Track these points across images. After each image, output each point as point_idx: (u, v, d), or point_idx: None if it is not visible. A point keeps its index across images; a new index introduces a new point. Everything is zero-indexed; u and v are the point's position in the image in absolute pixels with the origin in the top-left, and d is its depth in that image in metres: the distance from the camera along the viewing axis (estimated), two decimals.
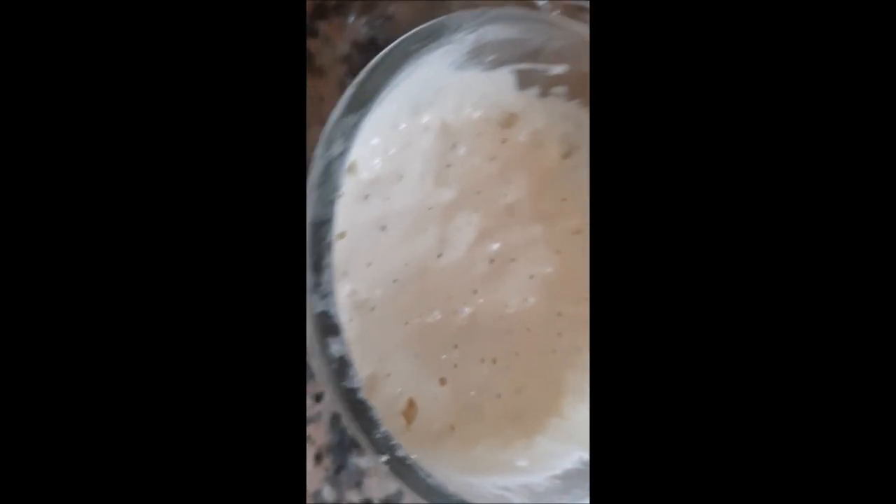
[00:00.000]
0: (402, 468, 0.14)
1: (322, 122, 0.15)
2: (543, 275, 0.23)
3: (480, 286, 0.23)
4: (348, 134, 0.14)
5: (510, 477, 0.18)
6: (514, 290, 0.23)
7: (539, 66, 0.20)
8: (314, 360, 0.14)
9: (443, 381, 0.22)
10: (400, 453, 0.14)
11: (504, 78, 0.21)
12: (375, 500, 0.22)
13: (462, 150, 0.23)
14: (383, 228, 0.21)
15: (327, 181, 0.14)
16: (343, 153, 0.14)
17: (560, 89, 0.21)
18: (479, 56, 0.19)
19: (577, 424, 0.22)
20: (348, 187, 0.21)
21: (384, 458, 0.14)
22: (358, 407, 0.14)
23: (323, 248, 0.13)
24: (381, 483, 0.23)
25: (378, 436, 0.14)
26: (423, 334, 0.21)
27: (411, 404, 0.21)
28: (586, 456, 0.20)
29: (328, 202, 0.14)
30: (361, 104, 0.16)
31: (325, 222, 0.14)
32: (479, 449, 0.21)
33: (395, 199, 0.21)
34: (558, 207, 0.24)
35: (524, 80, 0.21)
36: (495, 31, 0.18)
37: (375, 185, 0.21)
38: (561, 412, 0.22)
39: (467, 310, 0.22)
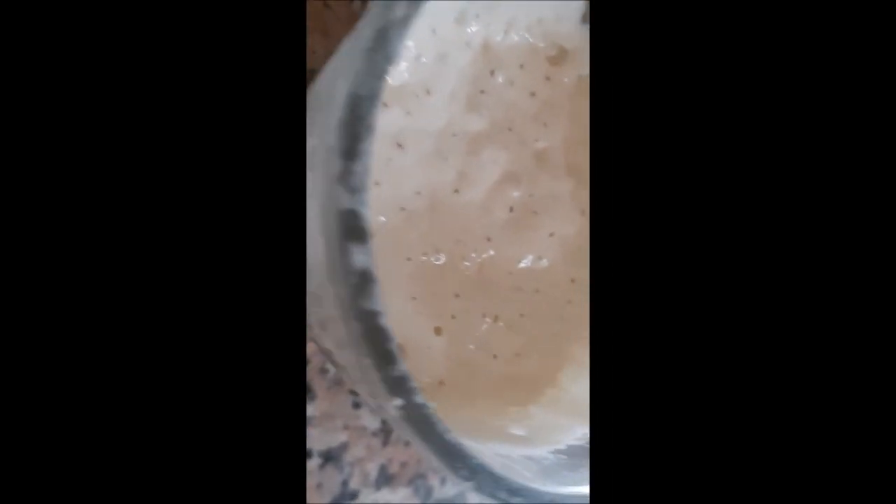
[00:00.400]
0: (418, 417, 0.12)
1: None
2: (564, 235, 0.21)
3: (495, 235, 0.20)
4: (412, 4, 0.11)
5: (509, 446, 0.15)
6: (530, 246, 0.21)
7: None
8: (323, 273, 0.12)
9: (438, 331, 0.19)
10: (418, 399, 0.12)
11: (572, 3, 0.18)
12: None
13: (501, 78, 0.20)
14: (399, 146, 0.18)
15: (382, 48, 0.11)
16: (405, 20, 0.11)
17: None
18: None
19: (574, 398, 0.20)
20: None
21: (398, 402, 0.11)
22: (377, 335, 0.11)
23: (362, 128, 0.10)
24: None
25: (396, 374, 0.11)
26: (423, 275, 0.19)
27: (401, 350, 0.18)
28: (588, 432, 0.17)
29: (378, 74, 0.11)
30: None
31: (370, 98, 0.11)
32: (470, 410, 0.18)
33: (418, 116, 0.18)
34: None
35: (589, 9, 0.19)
36: None
37: (399, 95, 0.18)
38: (559, 384, 0.20)
39: (476, 258, 0.20)
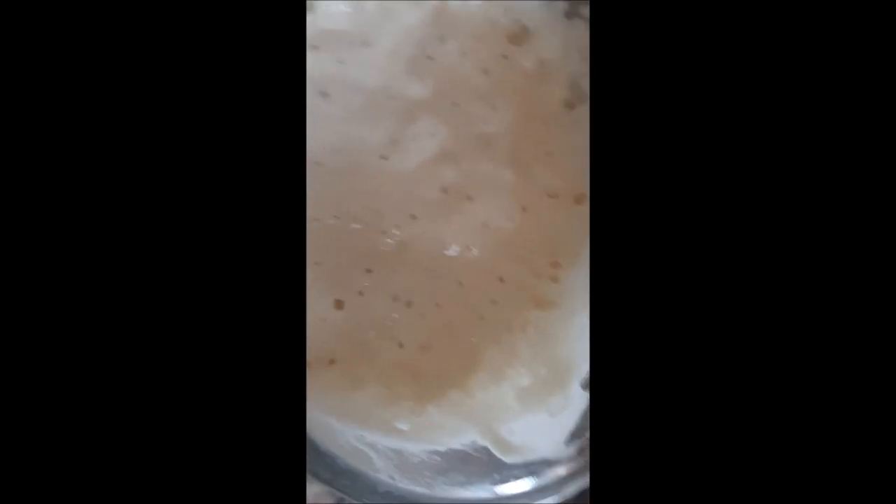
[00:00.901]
0: None
1: None
2: (499, 228, 0.19)
3: (422, 213, 0.18)
4: None
5: (383, 436, 0.13)
6: (460, 233, 0.19)
7: None
8: None
9: (339, 305, 0.17)
10: None
11: None
12: None
13: (452, 45, 0.18)
14: (324, 95, 0.16)
15: None
16: None
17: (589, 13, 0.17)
18: None
19: (480, 405, 0.18)
20: None
21: None
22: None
23: None
24: None
25: None
26: (330, 241, 0.17)
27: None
28: (481, 442, 0.15)
29: None
30: None
31: None
32: (357, 395, 0.16)
33: (352, 67, 0.17)
34: (542, 161, 0.20)
35: None
36: None
37: (332, 39, 0.16)
38: (467, 388, 0.18)
39: (398, 234, 0.18)
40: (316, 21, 0.16)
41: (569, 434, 0.16)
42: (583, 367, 0.19)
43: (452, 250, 0.19)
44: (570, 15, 0.18)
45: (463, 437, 0.16)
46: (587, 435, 0.16)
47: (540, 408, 0.18)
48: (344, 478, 0.11)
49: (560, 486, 0.14)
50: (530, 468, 0.14)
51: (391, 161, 0.18)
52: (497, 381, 0.19)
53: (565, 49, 0.19)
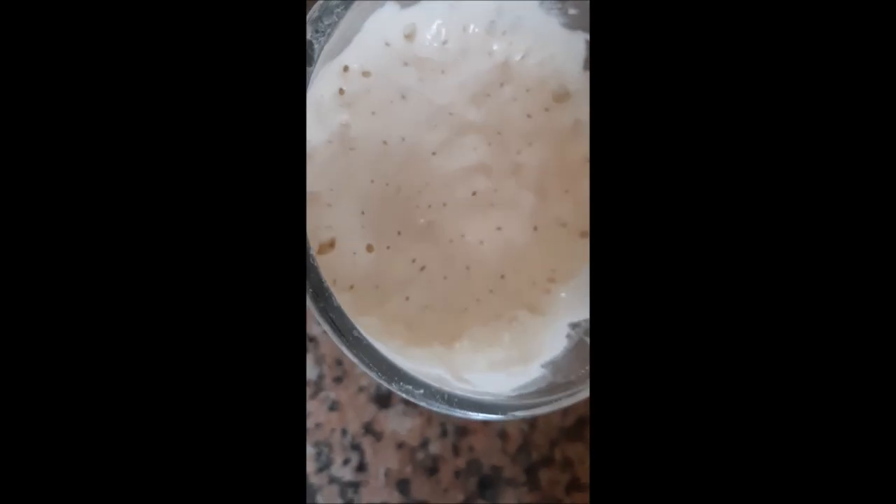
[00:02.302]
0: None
1: None
2: (511, 237, 0.24)
3: (452, 204, 0.24)
4: None
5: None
6: (478, 229, 0.24)
7: None
8: None
9: (370, 249, 0.22)
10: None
11: (577, 46, 0.23)
12: None
13: (508, 91, 0.24)
14: (403, 97, 0.23)
15: None
16: None
17: None
18: (564, 0, 0.21)
19: (457, 363, 0.22)
20: (397, 48, 0.23)
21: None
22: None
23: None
24: None
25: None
26: (379, 199, 0.23)
27: (332, 244, 0.22)
28: (444, 375, 0.19)
29: None
30: None
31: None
32: (363, 320, 0.21)
33: (427, 85, 0.23)
34: (558, 195, 0.25)
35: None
36: None
37: (419, 63, 0.23)
38: (452, 349, 0.22)
39: (430, 212, 0.23)
40: (412, 47, 0.23)
41: (516, 387, 0.20)
42: (547, 355, 0.22)
43: (468, 239, 0.24)
44: None
45: (431, 371, 0.20)
46: (531, 389, 0.19)
47: (502, 371, 0.21)
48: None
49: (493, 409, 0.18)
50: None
51: (438, 157, 0.23)
52: (475, 351, 0.23)
53: None
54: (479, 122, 0.24)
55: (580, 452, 0.35)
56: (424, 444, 0.32)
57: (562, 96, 0.25)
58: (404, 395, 0.16)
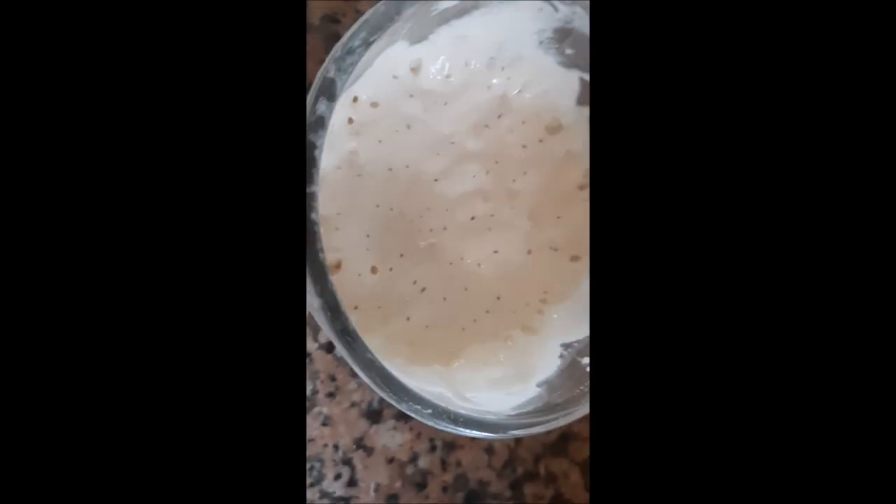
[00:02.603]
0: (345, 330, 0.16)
1: None
2: (507, 259, 0.25)
3: (452, 228, 0.25)
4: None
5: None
6: (476, 251, 0.25)
7: None
8: None
9: (374, 270, 0.23)
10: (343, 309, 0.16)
11: (571, 83, 0.24)
12: None
13: (505, 123, 0.26)
14: (408, 127, 0.24)
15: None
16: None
17: None
18: (562, 41, 0.23)
19: (457, 381, 0.23)
20: (404, 81, 0.24)
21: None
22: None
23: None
24: None
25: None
26: (384, 223, 0.24)
27: (339, 266, 0.23)
28: (446, 393, 0.20)
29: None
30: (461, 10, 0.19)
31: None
32: (367, 338, 0.22)
33: (431, 116, 0.24)
34: (552, 222, 0.26)
35: (585, 96, 0.25)
36: (586, 23, 0.21)
37: (423, 95, 0.24)
38: (450, 368, 0.23)
39: (431, 235, 0.24)
40: (418, 80, 0.24)
41: (515, 406, 0.21)
42: (541, 375, 0.23)
43: (466, 261, 0.25)
44: None
45: (434, 390, 0.21)
46: (528, 408, 0.20)
47: (500, 391, 0.22)
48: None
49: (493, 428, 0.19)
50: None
51: (441, 184, 0.24)
52: (473, 370, 0.24)
53: (587, 146, 0.26)
54: (479, 150, 0.25)
55: (564, 468, 0.36)
56: (414, 458, 0.33)
57: (555, 128, 0.26)
58: (413, 415, 0.17)
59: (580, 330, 0.24)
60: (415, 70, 0.24)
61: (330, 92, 0.16)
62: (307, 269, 0.15)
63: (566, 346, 0.23)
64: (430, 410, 0.17)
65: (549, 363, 0.23)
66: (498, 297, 0.25)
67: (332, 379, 0.32)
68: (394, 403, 0.17)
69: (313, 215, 0.15)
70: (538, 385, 0.22)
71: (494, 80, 0.25)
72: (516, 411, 0.19)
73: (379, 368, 0.16)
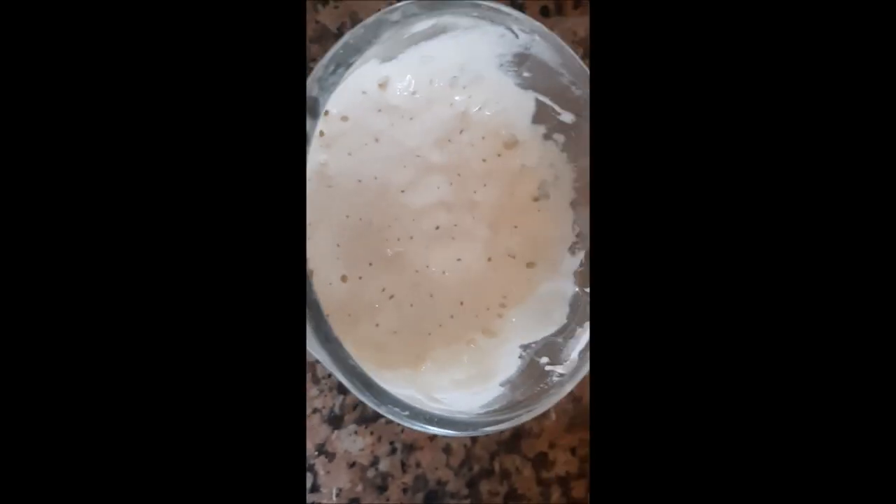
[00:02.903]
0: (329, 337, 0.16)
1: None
2: (468, 266, 0.27)
3: (417, 237, 0.26)
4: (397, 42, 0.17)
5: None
6: (441, 259, 0.26)
7: (556, 107, 0.25)
8: None
9: (344, 279, 0.24)
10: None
11: (527, 103, 0.26)
12: None
13: (466, 138, 0.27)
14: (376, 140, 0.25)
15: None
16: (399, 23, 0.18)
17: (559, 136, 0.26)
18: (521, 65, 0.24)
19: (427, 383, 0.24)
20: (372, 96, 0.25)
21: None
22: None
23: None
24: None
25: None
26: (352, 234, 0.24)
27: (310, 274, 0.23)
28: (416, 395, 0.21)
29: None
30: (431, 34, 0.20)
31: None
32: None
33: (398, 130, 0.25)
34: (509, 231, 0.28)
35: (539, 115, 0.26)
36: (543, 49, 0.23)
37: (390, 110, 0.25)
38: (419, 371, 0.25)
39: (398, 244, 0.25)
40: (385, 96, 0.25)
41: (483, 405, 0.22)
42: (503, 375, 0.25)
43: (431, 269, 0.26)
44: (546, 137, 0.27)
45: (404, 392, 0.22)
46: (495, 406, 0.22)
47: (467, 391, 0.24)
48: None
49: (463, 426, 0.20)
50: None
51: (407, 194, 0.26)
52: (439, 372, 0.25)
53: (540, 160, 0.28)
54: (442, 163, 0.26)
55: (517, 464, 0.38)
56: (375, 462, 0.34)
57: (511, 144, 0.28)
58: (392, 417, 0.18)
59: (537, 332, 0.25)
60: (382, 86, 0.25)
61: (314, 111, 0.17)
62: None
63: (525, 347, 0.25)
64: (407, 412, 0.18)
65: (509, 363, 0.24)
66: (461, 303, 0.26)
67: None
68: (373, 407, 0.18)
69: None
70: (501, 384, 0.23)
71: (457, 98, 0.26)
72: (484, 409, 0.21)
73: (360, 374, 0.17)
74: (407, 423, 0.18)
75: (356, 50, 0.18)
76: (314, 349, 0.18)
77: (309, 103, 0.17)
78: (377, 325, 0.24)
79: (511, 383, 0.23)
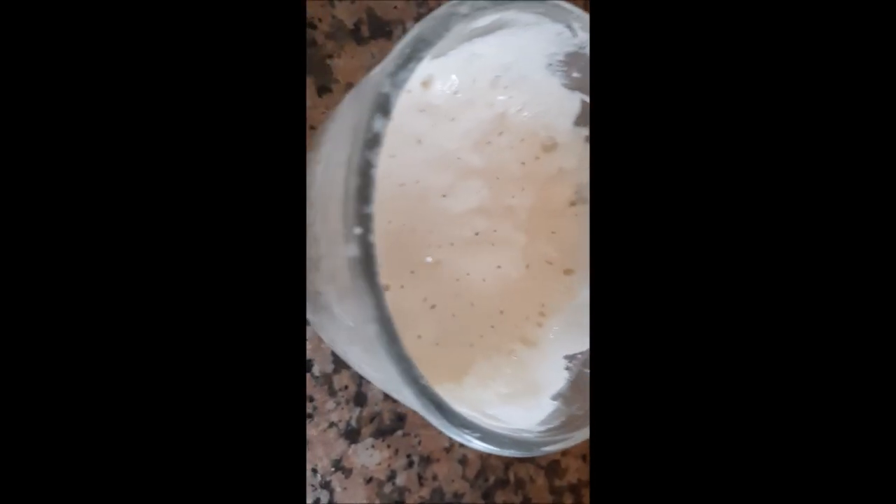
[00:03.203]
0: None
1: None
2: (507, 274, 0.26)
3: (457, 244, 0.25)
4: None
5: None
6: (480, 267, 0.25)
7: None
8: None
9: (386, 288, 0.23)
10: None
11: (572, 104, 0.25)
12: None
13: (504, 140, 0.26)
14: (419, 142, 0.24)
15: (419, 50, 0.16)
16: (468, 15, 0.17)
17: None
18: (571, 65, 0.23)
19: (469, 399, 0.23)
20: (416, 95, 0.23)
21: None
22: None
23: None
24: None
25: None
26: (395, 241, 0.23)
27: (385, 287, 0.22)
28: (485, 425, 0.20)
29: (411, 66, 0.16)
30: (487, 30, 0.19)
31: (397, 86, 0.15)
32: None
33: (439, 131, 0.24)
34: (546, 236, 0.27)
35: (584, 117, 0.26)
36: None
37: (433, 110, 0.24)
38: (461, 385, 0.23)
39: (439, 251, 0.24)
40: (428, 95, 0.23)
41: (540, 421, 0.21)
42: (552, 388, 0.24)
43: (472, 277, 0.25)
44: (587, 139, 0.26)
45: (458, 408, 0.21)
46: (555, 423, 0.21)
47: (515, 406, 0.23)
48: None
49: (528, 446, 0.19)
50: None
51: (448, 200, 0.24)
52: (483, 387, 0.24)
53: (580, 163, 0.27)
54: (481, 167, 0.25)
55: (531, 472, 0.37)
56: (392, 477, 0.33)
57: (550, 147, 0.27)
58: (459, 439, 0.17)
59: (580, 342, 0.25)
60: (426, 84, 0.23)
61: (385, 108, 0.16)
62: (368, 290, 0.15)
63: (570, 357, 0.24)
64: (478, 434, 0.17)
65: (556, 376, 0.24)
66: (501, 312, 0.25)
67: (310, 400, 0.30)
68: (443, 430, 0.16)
69: (370, 237, 0.15)
70: (553, 399, 0.22)
71: (498, 98, 0.25)
72: (544, 427, 0.20)
73: (433, 395, 0.16)
74: (476, 446, 0.17)
75: (428, 44, 0.16)
76: (374, 367, 0.17)
77: (380, 100, 0.16)
78: (419, 336, 0.23)
79: (563, 397, 0.22)
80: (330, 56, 0.31)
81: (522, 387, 0.24)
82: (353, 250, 0.15)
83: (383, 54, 0.32)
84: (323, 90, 0.31)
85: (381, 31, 0.32)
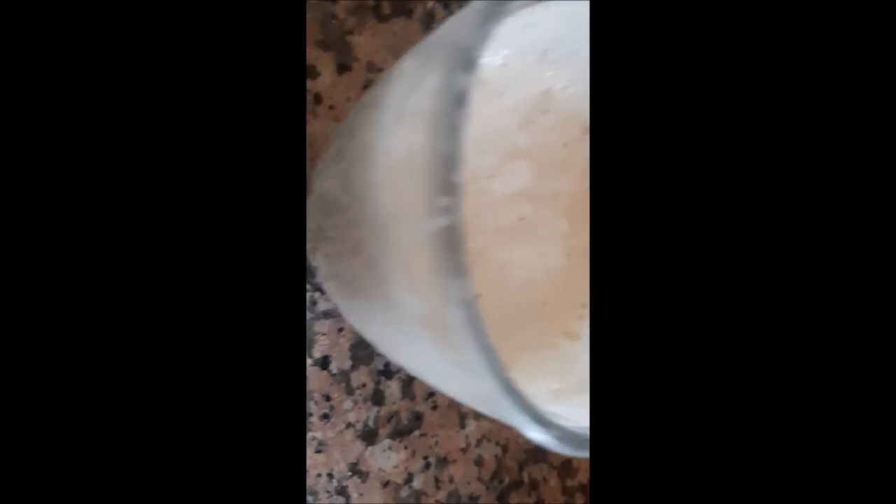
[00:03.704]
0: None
1: None
2: (550, 266, 0.24)
3: (503, 229, 0.23)
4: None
5: None
6: (522, 255, 0.23)
7: None
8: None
9: None
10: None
11: None
12: None
13: (549, 119, 0.24)
14: (468, 117, 0.22)
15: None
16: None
17: None
18: None
19: (529, 396, 0.21)
20: None
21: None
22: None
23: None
24: None
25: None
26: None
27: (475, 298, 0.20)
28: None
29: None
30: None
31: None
32: None
33: (488, 106, 0.22)
34: (586, 224, 0.25)
35: None
36: None
37: (482, 83, 0.22)
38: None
39: (481, 240, 0.22)
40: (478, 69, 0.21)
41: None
42: None
43: (514, 265, 0.23)
44: None
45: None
46: None
47: (570, 404, 0.21)
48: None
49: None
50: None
51: (495, 181, 0.23)
52: (530, 381, 0.22)
53: None
54: (526, 147, 0.24)
55: (544, 473, 0.36)
56: (409, 480, 0.31)
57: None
58: (543, 443, 0.15)
59: None
60: None
61: (470, 63, 0.14)
62: (454, 270, 0.13)
63: None
64: (558, 434, 0.15)
65: None
66: (544, 304, 0.23)
67: (327, 399, 0.28)
68: (525, 432, 0.15)
69: (457, 210, 0.13)
70: None
71: (545, 73, 0.23)
72: None
73: (528, 403, 0.14)
74: (555, 448, 0.15)
75: None
76: (440, 359, 0.15)
77: (462, 55, 0.14)
78: None
79: None
80: (350, 32, 0.29)
81: (575, 383, 0.22)
82: (436, 224, 0.13)
83: (405, 33, 0.30)
84: (343, 68, 0.29)
85: (401, 9, 0.30)
